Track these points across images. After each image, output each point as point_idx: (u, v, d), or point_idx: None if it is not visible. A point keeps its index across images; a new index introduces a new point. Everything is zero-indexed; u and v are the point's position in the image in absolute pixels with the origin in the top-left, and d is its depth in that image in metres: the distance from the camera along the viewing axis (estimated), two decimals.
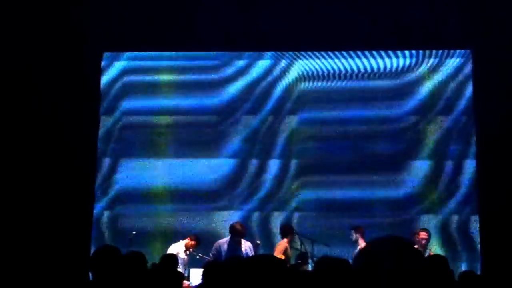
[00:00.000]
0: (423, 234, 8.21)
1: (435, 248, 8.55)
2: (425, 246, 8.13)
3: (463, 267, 8.47)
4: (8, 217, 8.32)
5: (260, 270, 2.13)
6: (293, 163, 9.38)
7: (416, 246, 8.05)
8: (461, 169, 9.13)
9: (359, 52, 9.38)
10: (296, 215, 9.21)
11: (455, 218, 9.05)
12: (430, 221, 8.93)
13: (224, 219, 9.15)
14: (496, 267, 8.06)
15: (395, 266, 1.65)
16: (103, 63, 9.48)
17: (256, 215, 9.29)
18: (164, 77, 9.70)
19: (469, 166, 9.02)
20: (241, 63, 9.64)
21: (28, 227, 8.32)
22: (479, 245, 8.67)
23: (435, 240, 8.72)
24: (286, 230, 8.31)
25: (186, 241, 8.51)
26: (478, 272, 8.02)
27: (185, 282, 7.28)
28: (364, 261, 1.71)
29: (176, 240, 8.61)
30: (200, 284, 4.64)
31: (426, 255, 7.81)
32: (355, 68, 9.42)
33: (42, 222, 8.42)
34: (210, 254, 8.04)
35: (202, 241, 8.53)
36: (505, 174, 8.39)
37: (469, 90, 9.13)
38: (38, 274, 7.49)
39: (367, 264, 1.69)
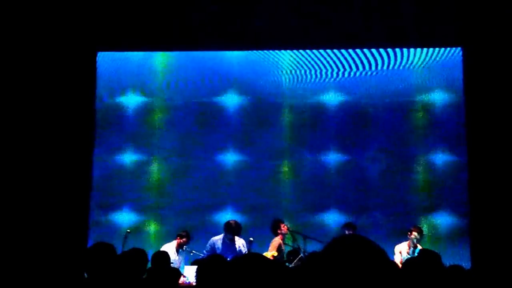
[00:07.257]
0: (414, 231, 8.28)
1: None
2: (417, 243, 8.20)
3: None
4: (2, 217, 8.35)
5: (249, 269, 2.14)
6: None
7: (408, 243, 8.21)
8: (451, 169, 9.15)
9: (350, 51, 9.40)
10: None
11: (446, 219, 9.09)
12: (421, 223, 9.00)
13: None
14: (485, 266, 8.11)
15: (351, 267, 1.61)
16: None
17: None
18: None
19: (460, 166, 9.00)
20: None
21: (23, 226, 8.35)
22: (469, 245, 8.71)
23: (427, 241, 8.75)
24: (278, 226, 8.35)
25: (177, 240, 8.31)
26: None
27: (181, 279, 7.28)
28: (319, 261, 1.69)
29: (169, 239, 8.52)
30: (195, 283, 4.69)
31: (417, 251, 7.91)
32: (347, 66, 9.45)
33: (37, 220, 8.45)
34: (204, 251, 8.08)
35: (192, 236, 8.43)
36: (496, 175, 8.41)
37: (460, 88, 9.15)
38: (33, 273, 7.51)
39: (321, 263, 1.67)
